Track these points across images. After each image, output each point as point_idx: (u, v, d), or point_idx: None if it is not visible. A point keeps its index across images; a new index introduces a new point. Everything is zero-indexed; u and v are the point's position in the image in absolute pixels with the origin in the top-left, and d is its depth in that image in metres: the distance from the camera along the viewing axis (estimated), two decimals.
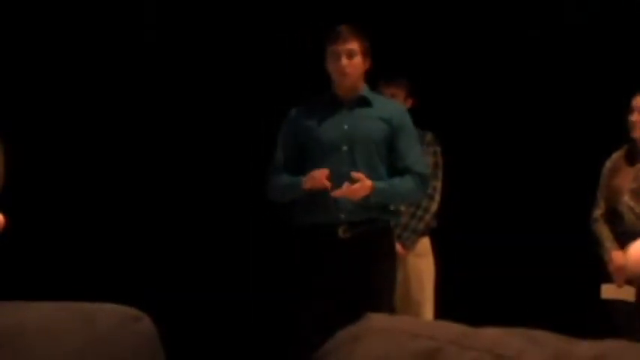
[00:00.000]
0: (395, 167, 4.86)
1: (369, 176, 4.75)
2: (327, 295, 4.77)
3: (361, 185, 4.69)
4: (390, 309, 4.82)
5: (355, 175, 4.71)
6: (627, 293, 5.23)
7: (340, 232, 4.77)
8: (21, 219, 6.54)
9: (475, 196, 6.63)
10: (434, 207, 5.90)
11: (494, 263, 6.56)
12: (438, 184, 5.93)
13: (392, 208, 4.98)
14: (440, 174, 5.95)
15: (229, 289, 6.70)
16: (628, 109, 5.35)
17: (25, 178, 6.61)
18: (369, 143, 4.83)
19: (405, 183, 4.82)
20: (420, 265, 5.88)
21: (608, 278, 5.30)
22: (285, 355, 4.95)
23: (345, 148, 4.82)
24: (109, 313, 1.61)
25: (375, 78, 5.87)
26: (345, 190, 4.68)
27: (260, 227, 6.54)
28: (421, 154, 5.06)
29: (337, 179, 4.73)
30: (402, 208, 5.83)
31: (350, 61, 4.85)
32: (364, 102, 4.92)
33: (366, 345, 1.13)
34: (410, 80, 5.93)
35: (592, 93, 6.47)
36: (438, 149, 5.97)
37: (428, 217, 5.88)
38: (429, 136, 5.97)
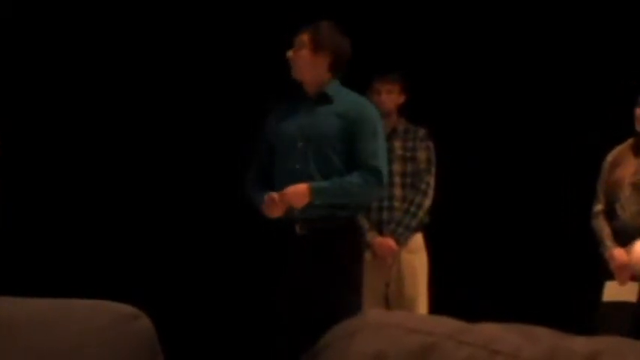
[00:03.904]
0: (354, 163, 4.83)
1: (322, 174, 4.75)
2: (292, 290, 4.77)
3: (289, 190, 4.69)
4: (357, 305, 4.75)
5: (271, 196, 4.71)
6: (629, 293, 5.19)
7: (297, 228, 4.78)
8: (20, 217, 6.55)
9: (468, 191, 6.63)
10: (427, 203, 5.90)
11: (488, 259, 6.57)
12: (431, 180, 5.93)
13: (352, 204, 4.90)
14: (433, 170, 5.94)
15: (227, 287, 6.69)
16: (634, 102, 5.31)
17: (24, 176, 6.62)
18: (321, 140, 4.80)
19: (353, 179, 4.75)
20: (414, 261, 5.88)
21: (608, 275, 5.24)
22: (271, 353, 4.95)
23: (300, 144, 4.82)
24: (107, 311, 1.61)
25: (369, 73, 5.88)
26: (276, 197, 4.70)
27: (254, 225, 6.51)
28: (379, 148, 4.88)
29: (290, 176, 4.75)
30: (397, 204, 5.83)
31: (295, 52, 4.84)
32: (326, 98, 4.89)
33: (362, 340, 1.12)
34: (404, 76, 5.93)
35: (583, 86, 6.47)
36: (431, 144, 5.97)
37: (421, 213, 5.88)
38: (421, 132, 5.96)
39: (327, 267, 4.72)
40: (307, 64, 4.83)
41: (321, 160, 4.79)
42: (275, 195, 4.73)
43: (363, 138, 4.82)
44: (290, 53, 4.84)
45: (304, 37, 4.84)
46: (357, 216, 4.91)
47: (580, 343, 1.15)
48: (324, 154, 4.80)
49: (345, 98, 4.89)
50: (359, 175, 4.75)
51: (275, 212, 4.76)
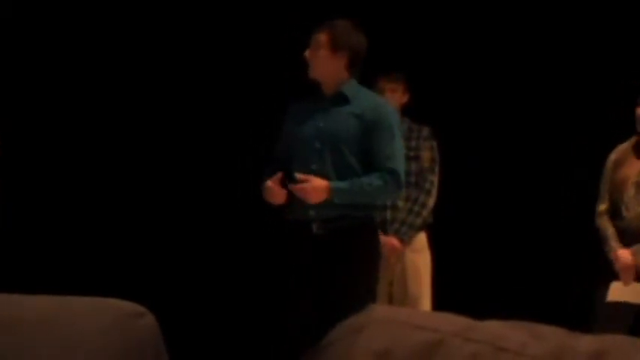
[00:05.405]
0: (370, 164, 4.80)
1: (338, 174, 4.72)
2: (306, 291, 4.75)
3: (310, 185, 4.69)
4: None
5: (299, 176, 4.67)
6: (633, 295, 5.18)
7: (314, 228, 4.75)
8: (27, 214, 6.56)
9: (472, 191, 6.62)
10: (431, 202, 5.89)
11: (492, 258, 6.56)
12: (435, 179, 5.92)
13: (369, 205, 4.82)
14: (437, 169, 5.94)
15: (234, 285, 6.69)
16: (636, 102, 5.30)
17: (24, 176, 6.63)
18: (337, 141, 4.76)
19: (372, 181, 4.70)
20: (417, 260, 5.88)
21: (611, 275, 5.22)
22: (276, 351, 4.95)
23: (317, 145, 4.77)
24: (111, 309, 1.62)
25: (373, 73, 5.88)
26: (295, 189, 4.67)
27: (261, 224, 6.52)
28: (396, 149, 4.82)
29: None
30: (400, 203, 5.83)
31: (312, 51, 4.80)
32: (343, 98, 4.88)
33: (369, 336, 1.12)
34: (407, 75, 5.92)
35: (584, 86, 6.46)
36: (435, 144, 5.96)
37: (425, 212, 5.87)
38: (425, 131, 5.96)
39: (342, 266, 4.70)
40: (325, 63, 4.78)
41: (337, 161, 4.76)
42: (296, 186, 4.66)
43: (380, 140, 4.77)
44: (307, 53, 4.80)
45: (322, 37, 4.78)
46: (372, 216, 4.86)
47: (585, 342, 1.16)
48: (341, 154, 4.76)
49: (363, 99, 4.84)
50: (378, 177, 4.71)
51: (276, 199, 4.72)
